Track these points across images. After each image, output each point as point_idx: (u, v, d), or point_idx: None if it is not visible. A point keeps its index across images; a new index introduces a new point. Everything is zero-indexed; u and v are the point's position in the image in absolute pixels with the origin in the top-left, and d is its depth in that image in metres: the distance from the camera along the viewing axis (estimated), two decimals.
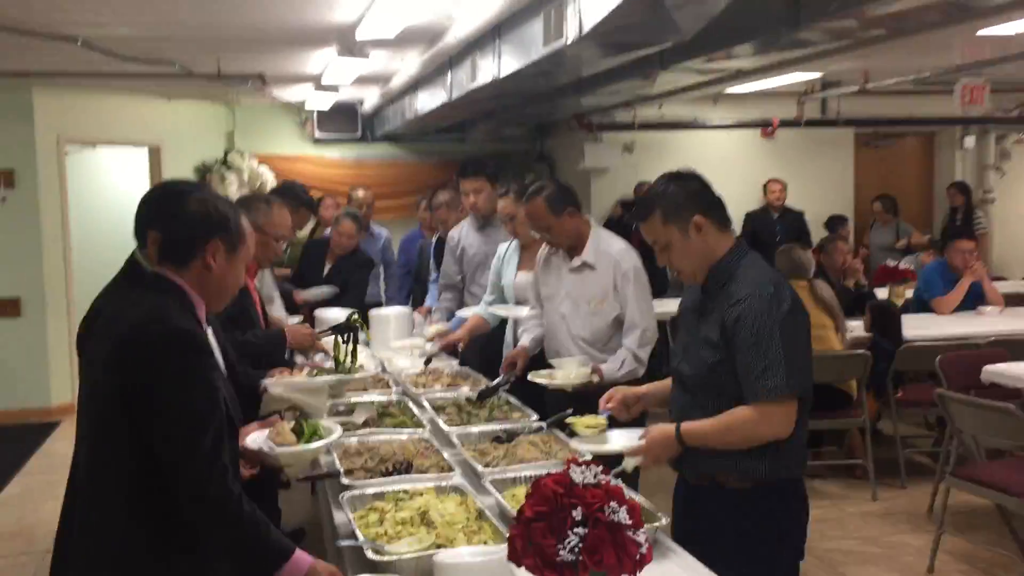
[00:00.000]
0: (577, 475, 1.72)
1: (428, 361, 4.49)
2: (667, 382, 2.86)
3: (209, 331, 2.61)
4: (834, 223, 8.93)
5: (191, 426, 2.01)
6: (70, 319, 7.78)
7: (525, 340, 4.07)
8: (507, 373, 3.90)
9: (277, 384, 2.83)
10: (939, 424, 6.15)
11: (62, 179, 7.91)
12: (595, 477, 1.72)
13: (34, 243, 7.67)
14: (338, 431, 2.75)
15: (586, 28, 3.87)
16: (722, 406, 2.48)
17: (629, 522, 1.68)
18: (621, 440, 2.70)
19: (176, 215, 2.19)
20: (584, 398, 3.32)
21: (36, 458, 6.67)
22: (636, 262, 3.78)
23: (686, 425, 2.52)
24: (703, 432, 2.49)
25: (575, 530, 1.65)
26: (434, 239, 6.15)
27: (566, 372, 3.64)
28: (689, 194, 2.55)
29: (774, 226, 8.65)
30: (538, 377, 3.70)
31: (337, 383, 3.38)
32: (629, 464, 2.52)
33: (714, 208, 2.55)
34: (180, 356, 2.03)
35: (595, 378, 3.60)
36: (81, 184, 8.79)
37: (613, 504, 1.68)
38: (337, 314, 5.29)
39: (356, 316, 3.95)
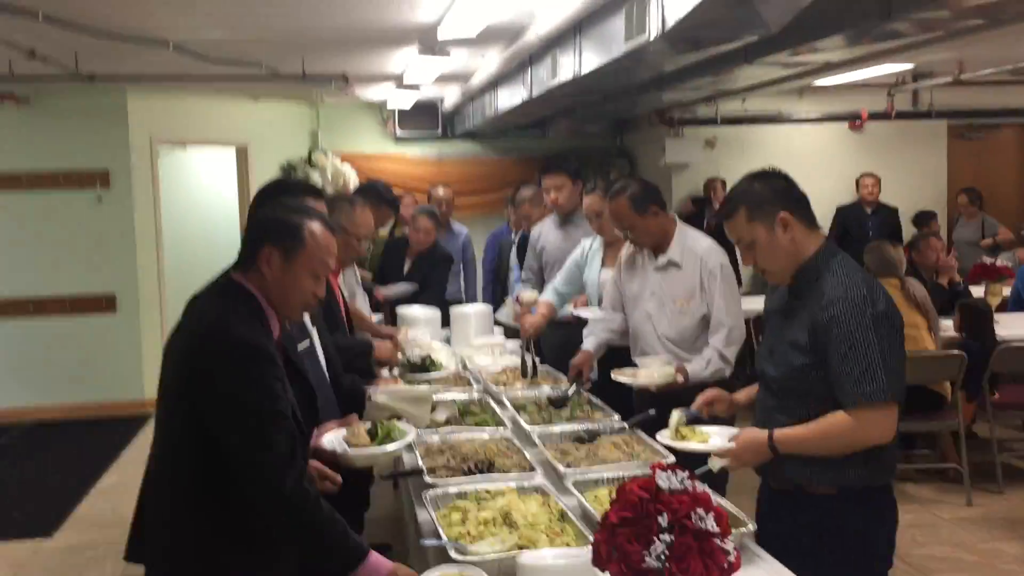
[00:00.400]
0: (663, 480, 1.70)
1: (532, 373, 4.28)
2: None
3: (314, 333, 2.70)
4: (921, 219, 8.65)
5: (261, 426, 2.07)
6: (162, 315, 8.03)
7: (588, 344, 4.01)
8: (574, 380, 3.88)
9: (382, 392, 2.83)
10: None
11: (155, 179, 8.16)
12: (682, 483, 1.70)
13: (128, 241, 7.92)
14: (412, 433, 2.77)
15: (669, 24, 3.80)
16: (809, 410, 2.42)
17: (716, 530, 1.65)
18: (714, 439, 2.66)
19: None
20: (669, 398, 3.30)
21: (130, 450, 6.89)
22: (723, 259, 3.71)
23: (780, 432, 2.44)
24: (800, 439, 2.42)
25: (661, 537, 1.63)
26: (516, 236, 6.15)
27: (650, 371, 3.59)
28: (775, 191, 2.49)
29: (866, 222, 8.42)
30: (621, 376, 3.67)
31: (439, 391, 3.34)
32: (715, 464, 2.48)
33: (800, 206, 2.50)
34: (239, 365, 2.08)
35: (679, 378, 3.55)
36: (172, 184, 9.06)
37: (700, 511, 1.65)
38: (418, 312, 5.35)
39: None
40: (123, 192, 7.89)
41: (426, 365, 4.12)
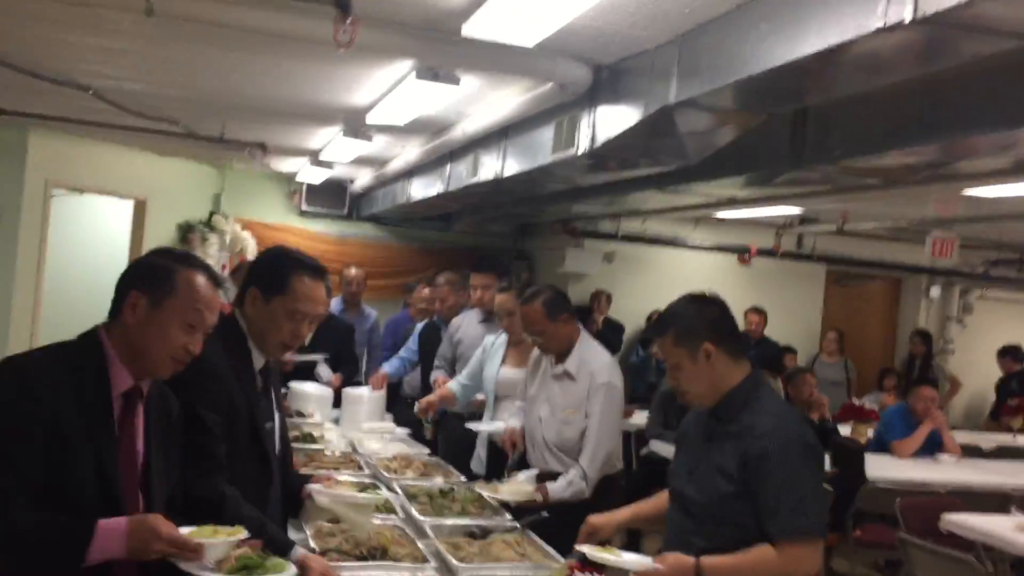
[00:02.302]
0: None
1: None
2: (653, 502, 2.86)
3: (277, 417, 2.72)
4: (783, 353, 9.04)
5: None
6: None
7: (516, 423, 4.10)
8: (514, 452, 4.00)
9: (324, 494, 2.71)
10: (887, 566, 6.19)
11: (44, 221, 7.86)
12: None
13: (6, 281, 7.57)
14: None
15: (598, 142, 4.01)
16: (730, 537, 2.43)
17: None
18: (633, 561, 2.57)
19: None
20: (531, 511, 3.43)
21: None
22: (613, 379, 3.81)
23: (708, 560, 2.42)
24: (728, 569, 2.41)
25: None
26: (420, 324, 6.19)
27: (511, 487, 3.66)
28: (704, 320, 2.56)
29: (748, 352, 8.75)
30: (484, 489, 3.73)
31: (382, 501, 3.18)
32: None
33: (728, 338, 2.57)
34: None
35: (538, 497, 3.60)
36: (63, 229, 8.73)
37: None
38: (310, 389, 5.30)
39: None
40: (9, 231, 7.56)
41: (307, 439, 4.29)
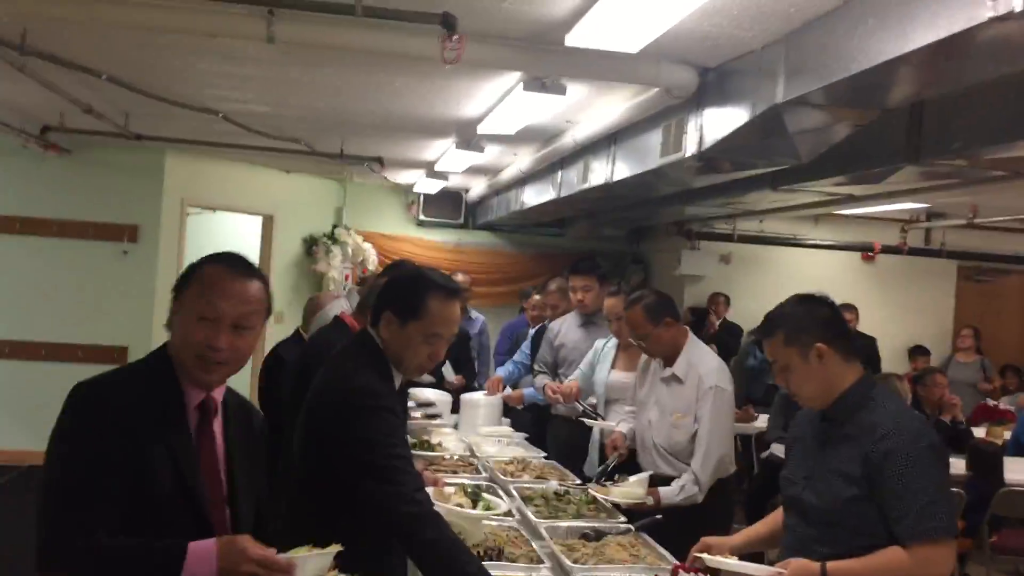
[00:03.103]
0: None
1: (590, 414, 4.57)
2: (763, 527, 2.82)
3: None
4: (916, 353, 8.71)
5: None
6: None
7: (623, 427, 4.14)
8: (612, 455, 4.02)
9: (439, 504, 2.77)
10: None
11: (181, 238, 8.32)
12: None
13: (147, 296, 8.03)
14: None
15: (706, 145, 4.00)
16: (854, 542, 2.39)
17: None
18: (755, 567, 2.52)
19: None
20: (642, 515, 3.47)
21: None
22: (722, 382, 3.78)
23: (834, 565, 2.39)
24: (855, 573, 2.38)
25: None
26: (532, 330, 6.28)
27: (622, 490, 3.67)
28: (815, 320, 2.53)
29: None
30: (597, 491, 3.76)
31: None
32: None
33: (840, 337, 2.53)
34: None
35: (650, 500, 3.61)
36: (197, 245, 9.22)
37: None
38: (430, 395, 5.46)
39: None
40: (150, 248, 8.04)
41: (424, 446, 4.40)
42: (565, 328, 5.29)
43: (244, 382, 7.70)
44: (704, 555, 2.58)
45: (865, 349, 8.57)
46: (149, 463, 1.92)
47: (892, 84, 3.04)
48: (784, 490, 2.69)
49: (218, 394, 2.10)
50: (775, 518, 2.81)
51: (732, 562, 2.49)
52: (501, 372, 5.97)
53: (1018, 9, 2.24)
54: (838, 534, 2.43)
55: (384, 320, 2.55)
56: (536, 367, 5.51)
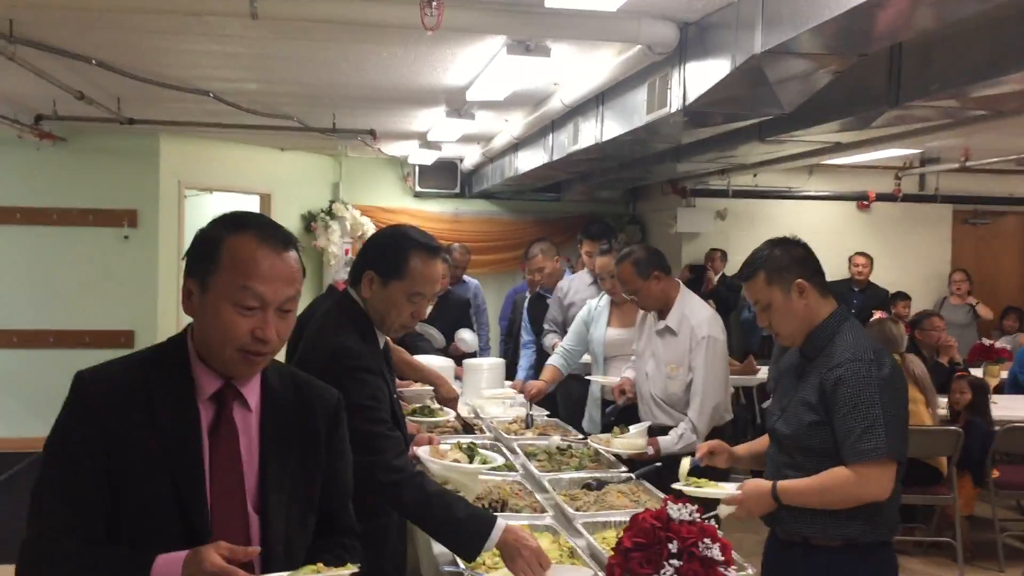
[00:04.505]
0: (674, 512, 1.86)
1: (530, 423, 4.54)
2: (761, 442, 2.96)
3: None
4: (895, 298, 8.76)
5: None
6: None
7: (629, 373, 4.24)
8: (621, 398, 4.18)
9: (434, 462, 2.84)
10: None
11: (180, 221, 8.39)
12: (691, 515, 1.86)
13: (151, 280, 8.12)
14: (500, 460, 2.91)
15: (690, 99, 4.05)
16: (819, 466, 2.55)
17: (722, 558, 1.80)
18: (721, 490, 2.75)
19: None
20: (642, 464, 3.61)
21: None
22: (714, 332, 3.87)
23: (783, 483, 2.59)
24: (800, 491, 2.57)
25: (671, 562, 1.79)
26: (528, 296, 6.36)
27: (623, 440, 3.78)
28: (793, 258, 2.67)
29: (852, 299, 8.58)
30: (597, 441, 3.87)
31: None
32: (723, 511, 2.61)
33: (816, 273, 2.68)
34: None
35: (650, 450, 3.73)
36: (196, 227, 9.26)
37: (707, 540, 1.81)
38: (434, 361, 5.53)
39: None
40: (149, 232, 8.11)
41: (425, 412, 4.43)
42: (574, 288, 5.43)
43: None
44: (681, 486, 2.74)
45: (874, 298, 8.65)
46: (138, 462, 1.69)
47: (867, 28, 3.08)
48: (766, 422, 2.87)
49: (247, 383, 1.81)
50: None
51: (704, 490, 2.68)
52: (523, 373, 5.98)
53: None
54: (803, 459, 2.61)
55: (365, 280, 2.55)
56: (546, 326, 5.65)
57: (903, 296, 8.69)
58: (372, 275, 2.54)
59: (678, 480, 2.90)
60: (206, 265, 1.73)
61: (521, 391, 5.04)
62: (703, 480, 2.74)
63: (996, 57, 3.54)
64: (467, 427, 4.28)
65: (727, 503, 2.63)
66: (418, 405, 4.52)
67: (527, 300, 6.31)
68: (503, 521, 2.39)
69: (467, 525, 2.35)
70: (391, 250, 2.55)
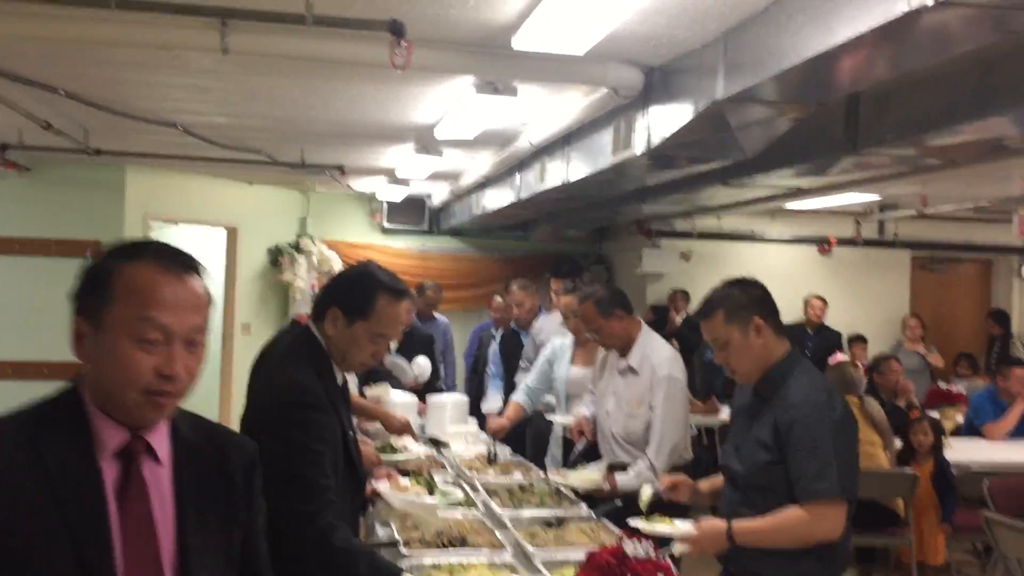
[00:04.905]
0: (630, 548, 1.88)
1: (492, 459, 4.53)
2: (722, 478, 2.99)
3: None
4: (853, 341, 8.89)
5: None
6: None
7: (586, 411, 4.26)
8: (581, 440, 4.20)
9: (395, 497, 2.84)
10: (987, 552, 6.08)
11: None
12: (646, 552, 1.88)
13: None
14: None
15: (654, 142, 4.13)
16: (772, 505, 2.60)
17: None
18: (679, 526, 2.79)
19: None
20: (602, 501, 3.66)
21: None
22: (674, 372, 3.90)
23: (738, 523, 2.63)
24: (754, 530, 2.60)
25: None
26: (498, 334, 6.39)
27: (579, 475, 3.81)
28: (751, 298, 2.74)
29: (807, 341, 8.69)
30: (555, 475, 3.92)
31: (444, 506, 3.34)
32: (677, 549, 2.63)
33: (772, 314, 2.75)
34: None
35: (606, 486, 3.75)
36: None
37: None
38: (396, 398, 5.53)
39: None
40: None
41: (387, 450, 4.34)
42: (546, 327, 5.50)
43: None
44: (638, 522, 2.75)
45: (828, 340, 8.76)
46: (34, 537, 1.45)
47: (824, 78, 3.18)
48: (720, 460, 2.92)
49: (155, 433, 1.58)
50: None
51: (660, 528, 2.70)
52: (493, 404, 6.00)
53: (930, 4, 2.38)
54: (757, 497, 2.66)
55: (330, 316, 2.53)
56: (522, 364, 5.69)
57: (860, 339, 8.83)
58: (337, 313, 2.53)
59: (639, 515, 2.93)
60: (98, 299, 1.53)
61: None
62: (661, 516, 2.77)
63: (950, 108, 3.67)
64: (436, 442, 4.32)
65: (681, 542, 2.65)
66: (379, 444, 4.50)
67: (500, 335, 6.34)
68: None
69: None
70: (359, 290, 2.55)
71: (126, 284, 1.52)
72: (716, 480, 3.02)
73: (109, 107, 5.41)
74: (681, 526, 2.77)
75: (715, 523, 2.67)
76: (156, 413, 1.54)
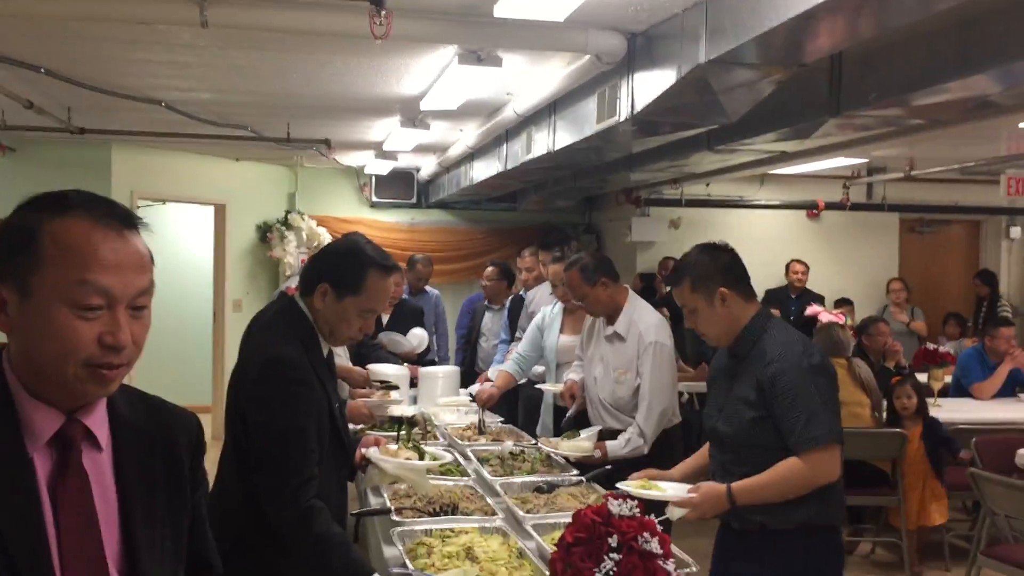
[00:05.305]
0: (614, 507, 1.90)
1: (482, 429, 4.54)
2: (694, 460, 3.03)
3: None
4: (838, 304, 8.92)
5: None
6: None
7: (575, 376, 4.29)
8: (573, 404, 4.25)
9: (386, 460, 2.84)
10: (975, 508, 6.16)
11: None
12: (630, 510, 1.91)
13: None
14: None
15: (638, 108, 4.13)
16: (765, 458, 2.64)
17: (660, 552, 1.85)
18: (669, 491, 2.81)
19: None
20: (592, 467, 3.65)
21: None
22: (661, 338, 3.91)
23: (738, 484, 2.65)
24: (756, 488, 2.64)
25: (611, 556, 1.83)
26: (507, 301, 6.41)
27: (571, 443, 3.83)
28: (718, 266, 2.76)
29: (790, 305, 8.72)
30: (546, 444, 3.92)
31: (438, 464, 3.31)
32: (674, 513, 2.66)
33: (740, 281, 2.77)
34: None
35: (597, 453, 3.78)
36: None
37: (646, 534, 1.85)
38: (388, 370, 5.55)
39: (422, 415, 4.32)
40: None
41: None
42: (539, 297, 5.52)
43: None
44: (629, 486, 2.76)
45: (811, 304, 8.76)
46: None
47: (805, 38, 3.17)
48: (704, 423, 2.93)
49: (93, 414, 1.37)
50: (704, 451, 3.01)
51: (650, 492, 2.73)
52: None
53: None
54: (749, 454, 2.69)
55: (319, 291, 2.53)
56: (518, 333, 5.72)
57: (846, 302, 8.87)
58: (327, 288, 2.52)
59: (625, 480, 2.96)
60: (23, 262, 1.30)
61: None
62: (650, 482, 2.79)
63: (934, 67, 3.66)
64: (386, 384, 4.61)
65: (679, 505, 2.67)
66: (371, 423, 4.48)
67: (508, 304, 6.37)
68: None
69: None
70: (349, 266, 2.54)
71: (57, 242, 1.30)
72: (688, 464, 3.07)
73: (92, 85, 5.38)
74: (670, 489, 2.79)
75: (714, 486, 2.69)
76: (101, 388, 1.33)
